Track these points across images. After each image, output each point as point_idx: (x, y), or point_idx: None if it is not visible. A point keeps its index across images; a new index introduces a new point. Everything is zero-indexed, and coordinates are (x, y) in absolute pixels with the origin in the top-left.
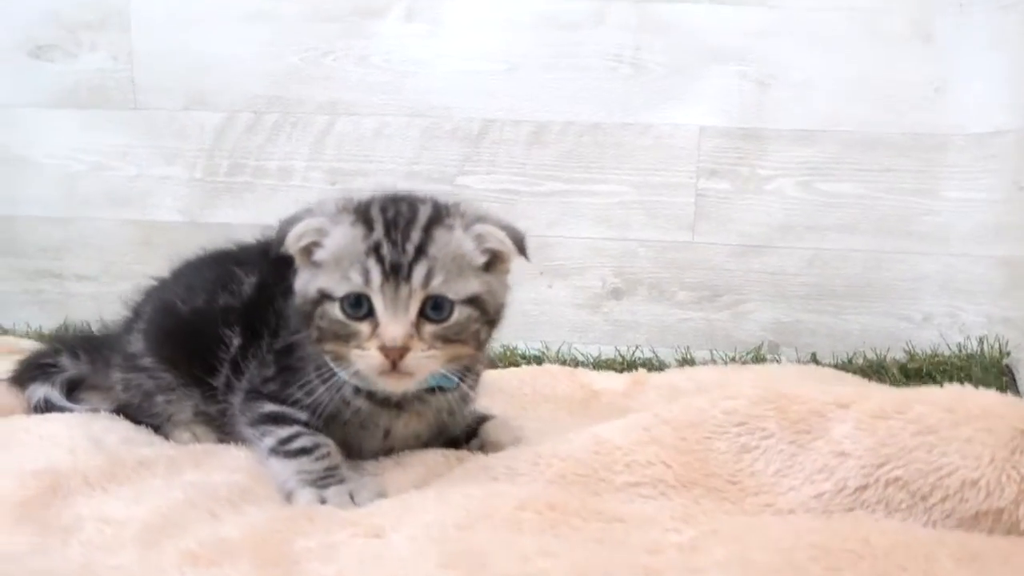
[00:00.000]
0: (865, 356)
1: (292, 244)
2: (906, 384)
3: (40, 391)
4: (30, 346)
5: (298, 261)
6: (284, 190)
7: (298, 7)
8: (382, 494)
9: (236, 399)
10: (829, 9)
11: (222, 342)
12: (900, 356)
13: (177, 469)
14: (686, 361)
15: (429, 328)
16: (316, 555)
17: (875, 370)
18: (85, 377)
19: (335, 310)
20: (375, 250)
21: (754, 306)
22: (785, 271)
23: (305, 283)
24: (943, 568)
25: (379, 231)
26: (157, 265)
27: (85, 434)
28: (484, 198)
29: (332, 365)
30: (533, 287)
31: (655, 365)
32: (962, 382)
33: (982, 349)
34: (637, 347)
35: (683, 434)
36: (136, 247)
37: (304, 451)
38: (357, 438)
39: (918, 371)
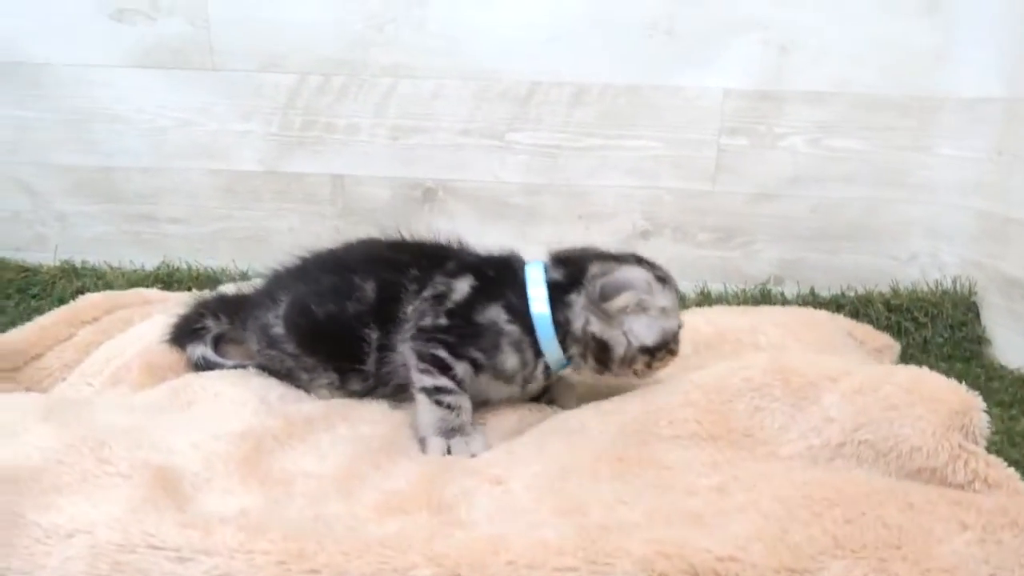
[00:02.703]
0: (856, 291)
1: (619, 304)
2: (888, 317)
3: (198, 350)
4: (157, 296)
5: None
6: (352, 144)
7: None
8: (488, 445)
9: (403, 347)
10: None
11: (363, 341)
12: (886, 291)
13: (332, 424)
14: (703, 294)
15: None
16: (462, 500)
17: (863, 303)
18: (225, 333)
19: (675, 347)
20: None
21: (763, 246)
22: (791, 216)
23: (660, 324)
24: (889, 514)
25: (672, 299)
26: (240, 209)
27: (252, 394)
28: (531, 152)
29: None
30: (572, 229)
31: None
32: (935, 318)
33: (955, 287)
34: None
35: (711, 397)
36: (221, 193)
37: (450, 407)
38: (497, 389)
39: (899, 306)
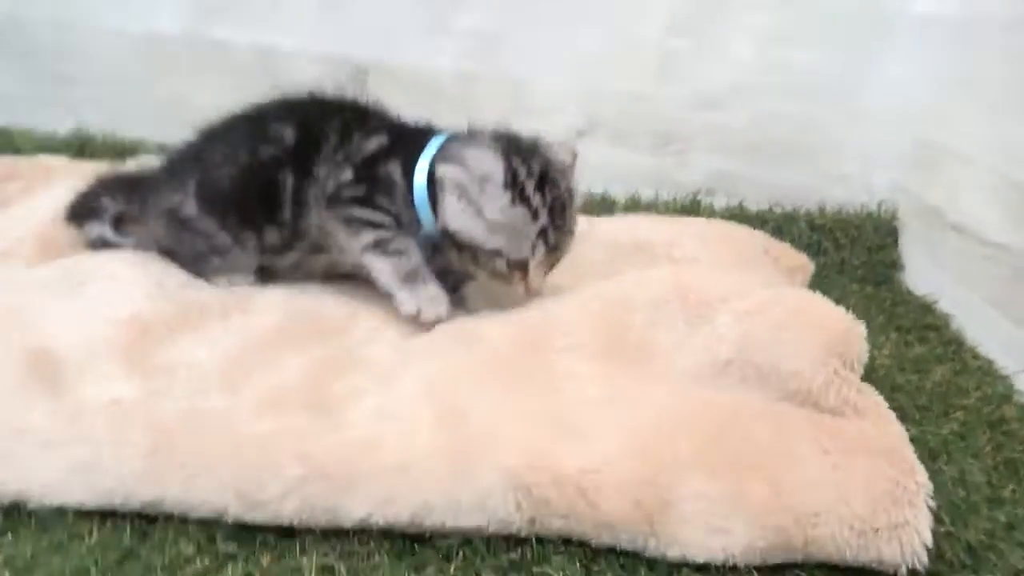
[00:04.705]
0: (783, 208)
1: (439, 171)
2: (811, 236)
3: (96, 229)
4: (59, 164)
5: (440, 182)
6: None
7: None
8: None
9: (314, 212)
10: None
11: (278, 187)
12: (812, 209)
13: (227, 313)
14: (634, 200)
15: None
16: (350, 398)
17: (788, 220)
18: (126, 212)
19: (502, 264)
20: (543, 235)
21: (698, 156)
22: (731, 127)
23: (469, 221)
24: (756, 434)
25: (544, 219)
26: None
27: (149, 277)
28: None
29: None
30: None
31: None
32: (856, 240)
33: (879, 211)
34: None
35: (609, 309)
36: (137, 57)
37: (398, 252)
38: None
39: (823, 226)
